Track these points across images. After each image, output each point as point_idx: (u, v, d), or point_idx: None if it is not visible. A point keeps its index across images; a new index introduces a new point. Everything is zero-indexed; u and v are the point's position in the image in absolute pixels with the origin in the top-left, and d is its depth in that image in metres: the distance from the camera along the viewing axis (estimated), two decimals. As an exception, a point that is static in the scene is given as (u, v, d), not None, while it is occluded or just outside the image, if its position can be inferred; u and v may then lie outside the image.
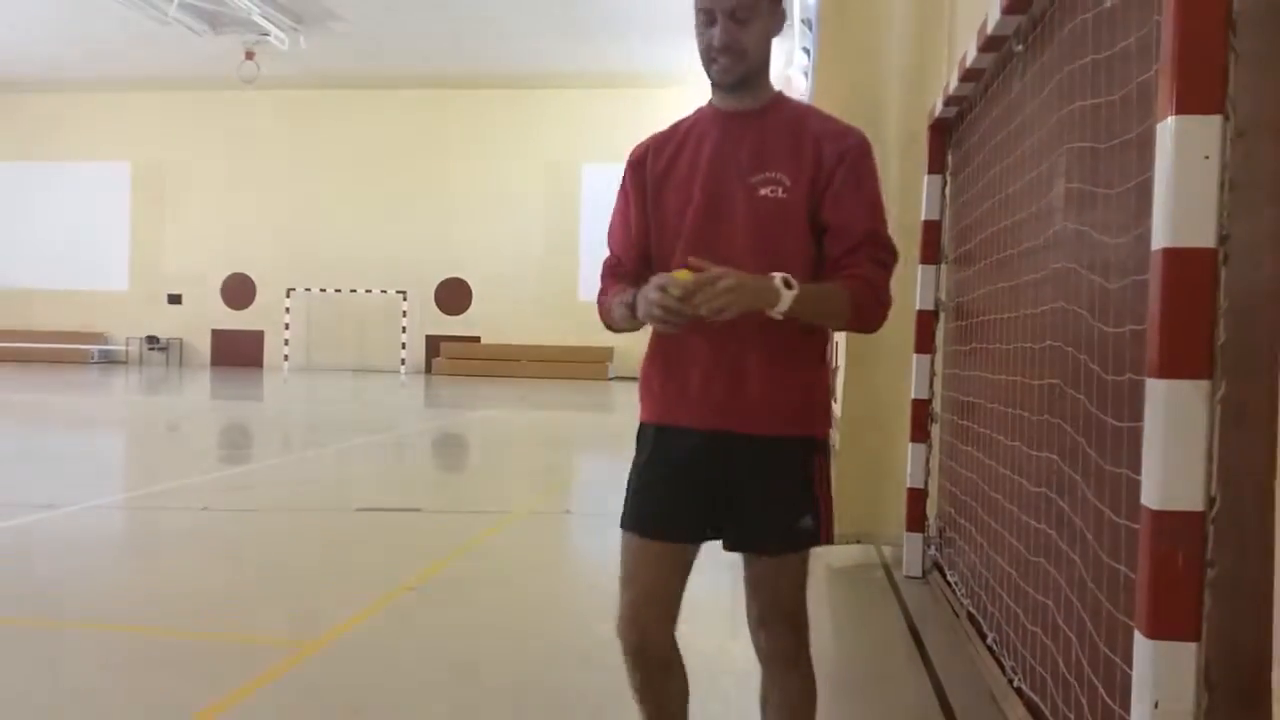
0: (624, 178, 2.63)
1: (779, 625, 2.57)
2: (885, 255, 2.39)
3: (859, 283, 2.32)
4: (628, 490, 2.56)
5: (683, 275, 2.18)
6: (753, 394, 2.37)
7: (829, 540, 2.52)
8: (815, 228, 2.37)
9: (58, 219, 33.89)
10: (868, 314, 2.38)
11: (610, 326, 2.60)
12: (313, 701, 3.60)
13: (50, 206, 33.96)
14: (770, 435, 2.39)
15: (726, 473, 2.42)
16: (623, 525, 2.54)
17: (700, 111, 2.55)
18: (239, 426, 14.41)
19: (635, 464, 2.57)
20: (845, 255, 2.35)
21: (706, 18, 2.39)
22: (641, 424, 2.58)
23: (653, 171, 2.54)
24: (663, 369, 2.49)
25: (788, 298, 2.19)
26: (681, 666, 2.60)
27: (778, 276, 2.20)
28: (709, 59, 2.42)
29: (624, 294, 2.43)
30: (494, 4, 23.84)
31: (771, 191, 2.35)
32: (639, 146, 2.65)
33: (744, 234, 2.36)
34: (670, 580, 2.53)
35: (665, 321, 2.21)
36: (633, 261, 2.56)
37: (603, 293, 2.60)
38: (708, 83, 2.48)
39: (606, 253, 2.67)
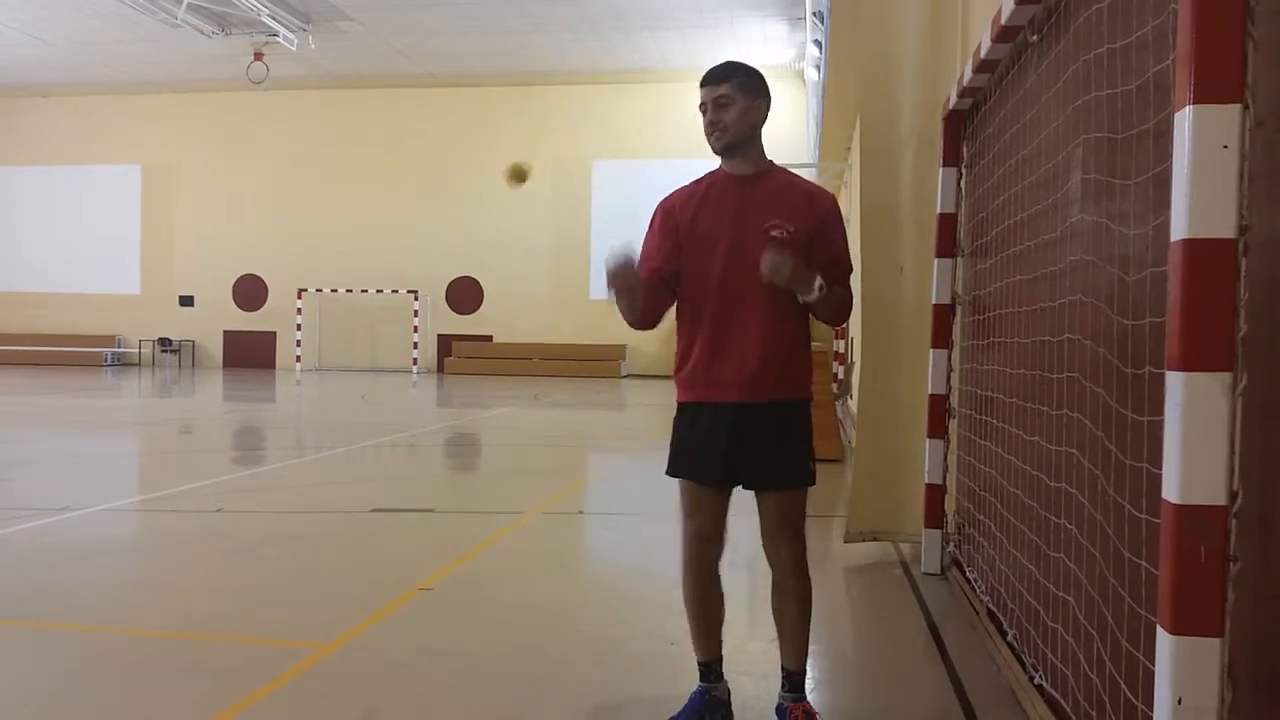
0: (654, 219, 3.46)
1: (790, 539, 3.40)
2: (849, 274, 3.41)
3: (846, 294, 3.38)
4: (675, 448, 3.42)
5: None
6: (770, 375, 3.29)
7: (812, 483, 3.43)
8: (808, 264, 3.19)
9: (70, 222, 34.05)
10: (845, 314, 3.42)
11: (629, 321, 3.41)
12: (329, 703, 3.60)
13: (62, 210, 34.11)
14: (782, 399, 3.33)
15: (744, 429, 3.28)
16: (676, 474, 3.40)
17: (715, 174, 3.42)
18: (252, 428, 14.44)
19: (677, 431, 3.43)
20: (836, 281, 3.29)
21: (702, 108, 3.36)
22: (682, 403, 3.44)
23: (682, 219, 3.35)
24: (703, 366, 3.34)
25: (816, 294, 3.16)
26: (719, 581, 3.45)
27: (818, 278, 3.15)
28: (708, 134, 3.35)
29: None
30: (502, 1, 23.84)
31: (779, 233, 3.22)
32: (669, 199, 3.45)
33: (756, 268, 3.15)
34: (716, 512, 3.40)
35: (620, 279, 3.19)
36: (658, 282, 3.36)
37: (645, 293, 3.35)
38: None
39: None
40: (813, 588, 3.46)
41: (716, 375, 3.30)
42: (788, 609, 3.44)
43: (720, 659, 3.47)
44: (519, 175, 3.47)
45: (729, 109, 3.27)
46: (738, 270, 3.24)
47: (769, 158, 3.40)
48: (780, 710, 3.42)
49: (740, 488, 3.38)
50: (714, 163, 3.45)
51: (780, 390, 3.30)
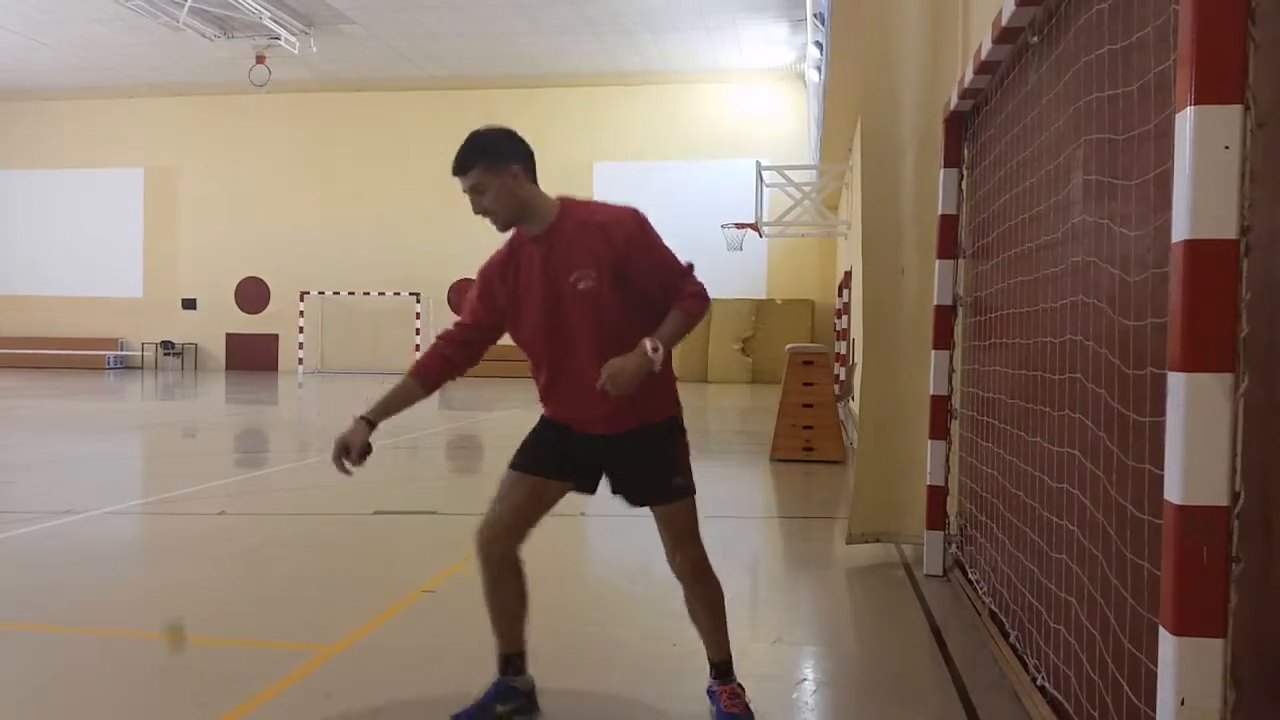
0: (477, 281, 3.45)
1: (679, 548, 3.44)
2: (690, 277, 3.33)
3: (689, 302, 3.28)
4: (522, 443, 3.48)
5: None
6: (614, 408, 3.24)
7: (693, 491, 3.46)
8: (631, 291, 3.25)
9: (73, 226, 34.07)
10: (698, 316, 3.31)
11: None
12: (333, 705, 3.60)
13: (65, 213, 34.13)
14: (635, 427, 3.34)
15: (605, 454, 3.39)
16: (515, 465, 3.44)
17: (519, 236, 3.36)
18: (255, 431, 14.44)
19: (532, 431, 3.48)
20: (674, 292, 3.28)
21: (466, 193, 3.25)
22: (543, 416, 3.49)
23: (498, 287, 3.38)
24: (549, 401, 3.43)
25: (658, 358, 3.13)
26: (516, 577, 3.43)
27: (646, 343, 3.12)
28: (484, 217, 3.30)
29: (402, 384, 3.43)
30: (504, 4, 23.85)
31: (585, 284, 3.21)
32: (488, 265, 3.44)
33: (575, 318, 3.24)
34: (525, 507, 3.40)
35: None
36: (466, 333, 3.46)
37: (440, 338, 3.48)
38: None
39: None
40: (720, 592, 3.52)
41: (566, 416, 3.40)
42: (696, 612, 3.52)
43: (521, 653, 3.51)
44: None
45: (485, 195, 3.22)
46: (560, 328, 3.27)
47: (555, 197, 3.34)
48: (710, 693, 3.56)
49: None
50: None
51: (631, 420, 3.32)
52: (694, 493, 3.46)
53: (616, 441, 3.36)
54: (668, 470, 3.39)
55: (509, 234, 3.41)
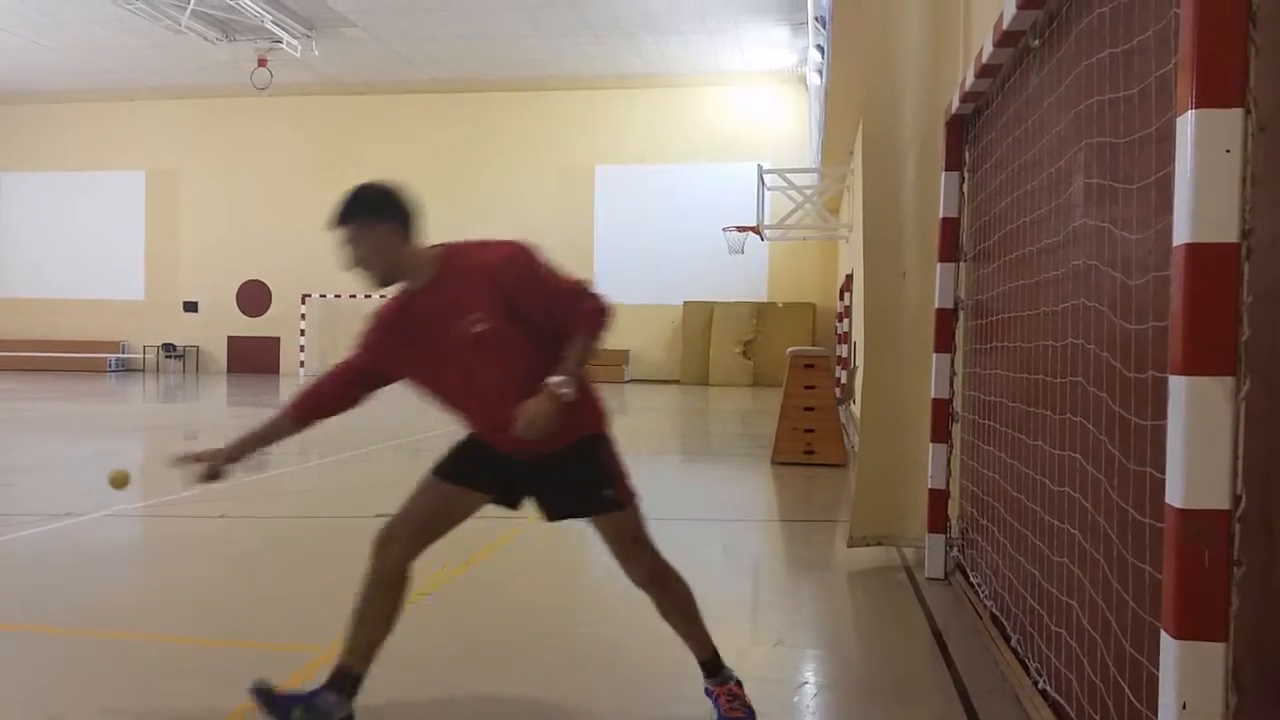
0: (372, 326, 3.41)
1: (629, 557, 3.42)
2: (585, 295, 3.22)
3: (586, 321, 3.19)
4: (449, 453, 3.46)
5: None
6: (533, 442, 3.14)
7: (630, 500, 3.38)
8: (529, 325, 3.19)
9: (74, 228, 34.07)
10: (600, 332, 3.22)
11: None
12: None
13: (67, 216, 34.13)
14: (557, 448, 3.26)
15: (531, 474, 3.35)
16: (436, 471, 3.42)
17: (406, 293, 3.31)
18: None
19: (459, 440, 3.47)
20: (570, 314, 3.20)
21: (340, 249, 3.22)
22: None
23: (397, 337, 3.34)
24: (471, 428, 3.41)
25: (568, 391, 3.07)
26: (396, 592, 3.37)
27: (550, 382, 3.06)
28: (358, 272, 3.25)
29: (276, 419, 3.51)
30: (505, 7, 23.86)
31: (480, 327, 3.15)
32: (381, 311, 3.39)
33: (478, 363, 3.20)
34: (431, 518, 3.39)
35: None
36: (351, 374, 3.46)
37: (325, 376, 3.50)
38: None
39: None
40: (683, 584, 3.51)
41: (490, 442, 3.37)
42: (667, 615, 3.53)
43: (355, 676, 3.38)
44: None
45: (360, 248, 3.20)
46: (466, 374, 3.25)
47: (438, 246, 3.31)
48: (709, 694, 3.54)
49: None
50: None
51: (552, 444, 3.22)
52: (631, 501, 3.40)
53: (541, 462, 3.31)
54: (597, 484, 3.35)
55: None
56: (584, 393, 3.30)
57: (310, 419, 3.50)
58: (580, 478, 3.35)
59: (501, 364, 3.20)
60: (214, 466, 3.40)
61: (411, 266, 3.24)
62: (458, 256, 3.27)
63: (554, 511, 3.44)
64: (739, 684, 3.53)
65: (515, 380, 3.19)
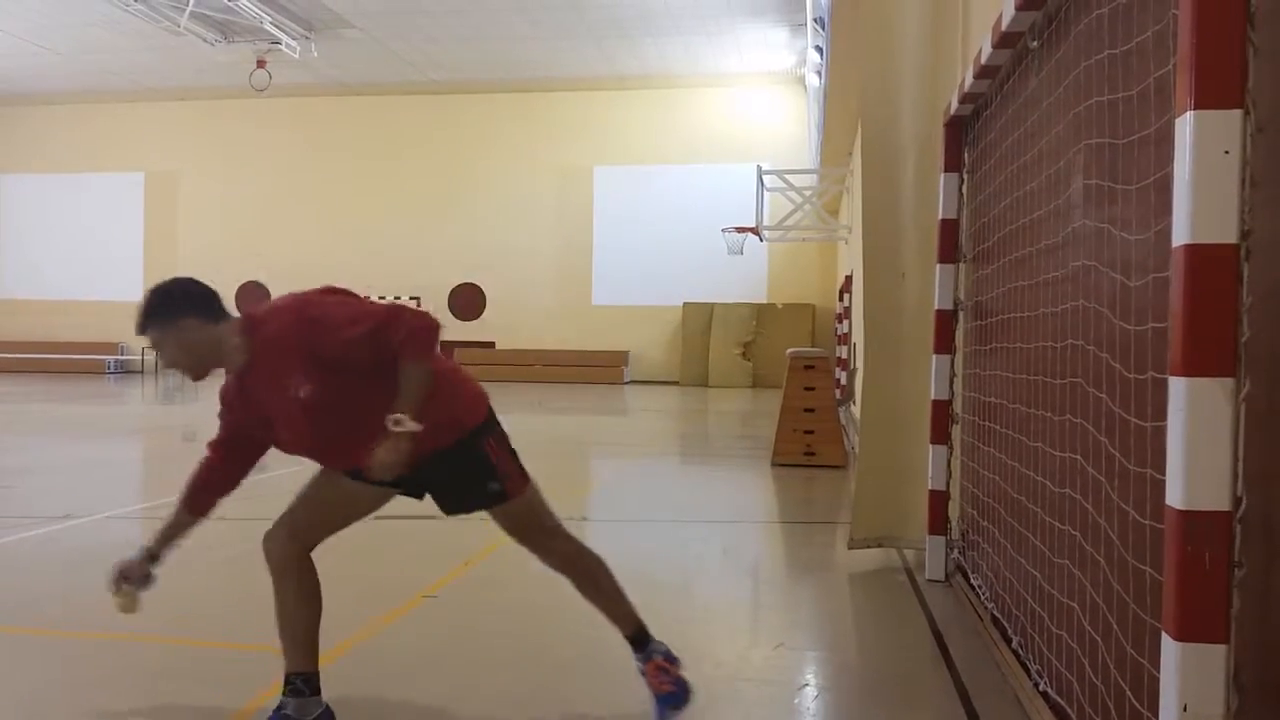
0: (220, 404, 3.49)
1: (539, 545, 3.50)
2: (393, 324, 3.09)
3: (407, 348, 3.08)
4: None
5: (119, 599, 3.43)
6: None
7: (522, 490, 3.42)
8: (353, 370, 3.14)
9: (73, 230, 34.05)
10: (425, 355, 3.13)
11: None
12: (333, 709, 3.59)
13: (65, 217, 34.12)
14: (436, 450, 3.23)
15: (418, 475, 3.26)
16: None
17: (229, 380, 3.36)
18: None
19: None
20: (381, 349, 3.09)
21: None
22: None
23: (245, 413, 3.38)
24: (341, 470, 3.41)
25: (409, 425, 3.00)
26: (303, 576, 3.45)
27: (390, 423, 2.99)
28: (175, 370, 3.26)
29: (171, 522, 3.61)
30: (504, 8, 23.87)
31: (304, 392, 3.13)
32: (224, 392, 3.44)
33: (307, 424, 3.22)
34: (321, 508, 3.47)
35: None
36: (226, 450, 3.55)
37: (203, 462, 3.59)
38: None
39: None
40: (599, 561, 3.57)
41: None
42: (587, 596, 3.59)
43: (304, 673, 3.38)
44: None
45: (167, 349, 3.21)
46: (312, 434, 3.27)
47: (237, 320, 3.28)
48: (640, 673, 3.57)
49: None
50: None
51: (427, 450, 3.18)
52: (523, 492, 3.43)
53: (424, 465, 3.24)
54: (482, 479, 3.37)
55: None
56: (448, 397, 3.28)
57: (204, 507, 3.57)
58: (464, 474, 3.37)
59: (340, 416, 3.19)
60: (144, 577, 3.49)
61: (224, 352, 3.24)
62: (258, 329, 3.23)
63: (448, 507, 3.50)
64: (668, 658, 3.54)
65: (361, 423, 3.12)
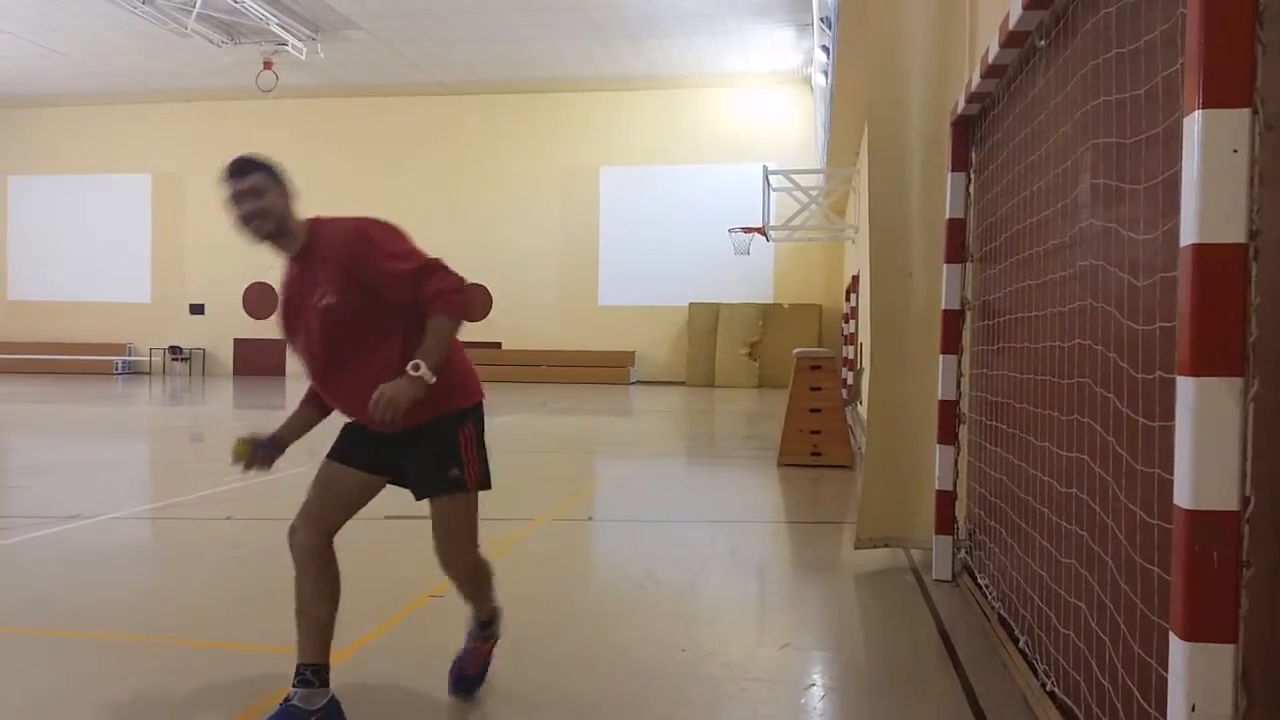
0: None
1: (440, 540, 3.49)
2: (434, 270, 3.28)
3: (441, 302, 3.24)
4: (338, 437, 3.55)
5: (237, 448, 3.56)
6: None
7: (481, 486, 3.45)
8: (381, 301, 3.27)
9: (81, 231, 34.18)
10: (460, 311, 3.30)
11: None
12: (343, 708, 3.60)
13: (73, 219, 34.24)
14: (416, 423, 3.29)
15: (394, 447, 3.38)
16: (329, 455, 3.52)
17: (288, 256, 3.44)
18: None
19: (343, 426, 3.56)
20: (419, 290, 3.25)
21: (233, 200, 3.33)
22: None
23: (282, 306, 3.51)
24: (336, 406, 3.52)
25: (427, 375, 3.12)
26: (323, 569, 3.49)
27: (409, 367, 3.12)
28: (243, 225, 3.33)
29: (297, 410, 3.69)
30: (509, 9, 23.89)
31: (328, 300, 3.26)
32: (278, 304, 3.55)
33: (319, 336, 3.31)
34: (330, 493, 3.48)
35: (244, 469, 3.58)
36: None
37: (302, 399, 3.69)
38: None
39: None
40: (489, 571, 3.70)
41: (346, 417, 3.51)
42: (465, 595, 3.70)
43: (314, 665, 3.41)
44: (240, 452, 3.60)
45: (264, 198, 3.32)
46: (319, 344, 3.35)
47: (307, 219, 3.45)
48: (467, 647, 3.78)
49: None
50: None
51: (409, 419, 3.23)
52: (474, 489, 3.45)
53: (399, 437, 3.36)
54: (445, 461, 3.38)
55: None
56: (450, 371, 3.36)
57: (322, 410, 3.67)
58: (431, 453, 3.38)
59: (350, 338, 3.30)
60: (270, 453, 3.60)
61: (290, 227, 3.37)
62: (318, 230, 3.39)
63: (415, 489, 3.49)
64: (492, 647, 3.80)
65: (361, 354, 3.30)
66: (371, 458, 3.45)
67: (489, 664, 3.82)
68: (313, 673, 3.37)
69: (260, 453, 3.54)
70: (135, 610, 4.98)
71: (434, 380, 3.14)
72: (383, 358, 3.27)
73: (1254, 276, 1.92)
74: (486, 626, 3.81)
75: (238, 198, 3.31)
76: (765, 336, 29.00)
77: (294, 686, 3.37)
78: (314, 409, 3.64)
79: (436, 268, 3.29)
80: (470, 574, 3.61)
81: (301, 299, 3.35)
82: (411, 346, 3.24)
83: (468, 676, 3.74)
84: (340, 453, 3.49)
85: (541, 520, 7.34)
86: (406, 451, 3.40)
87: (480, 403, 3.54)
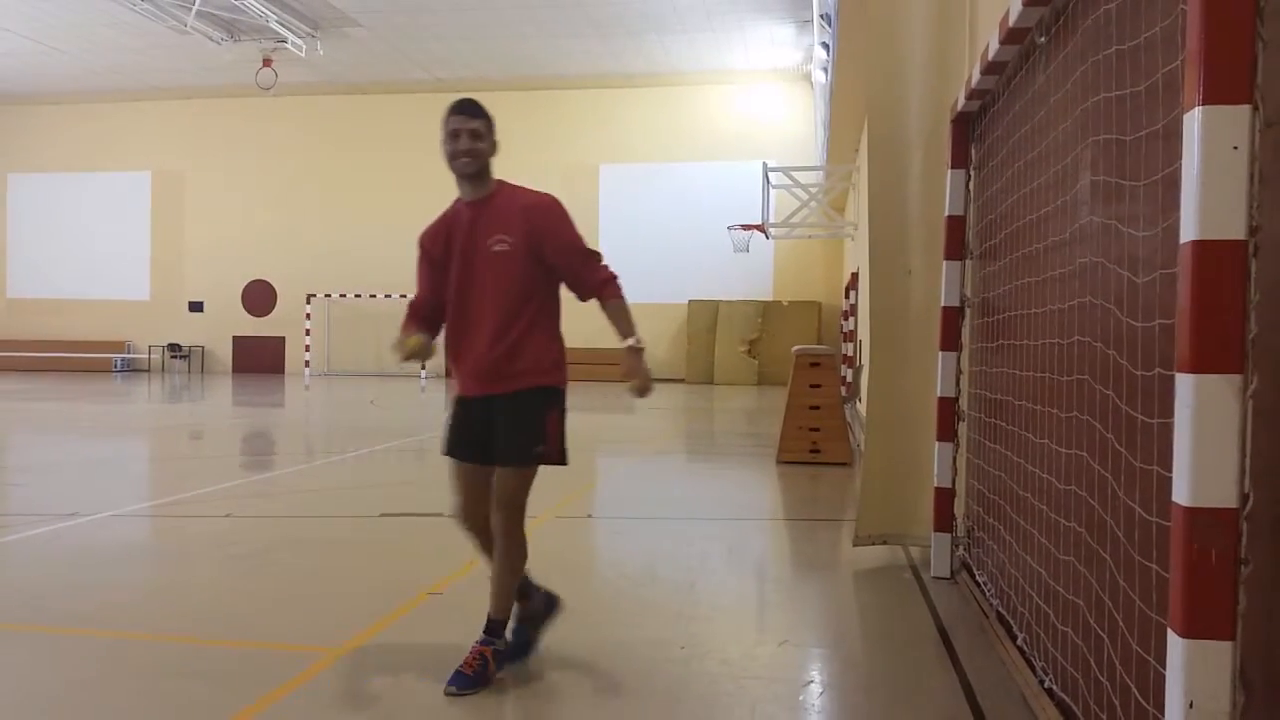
0: (419, 248, 4.02)
1: (502, 508, 3.81)
2: (598, 259, 3.91)
3: (610, 288, 3.91)
4: (445, 432, 3.97)
5: (411, 342, 3.82)
6: (504, 369, 3.79)
7: (560, 461, 3.86)
8: (540, 264, 3.80)
9: (80, 229, 34.16)
10: (620, 292, 3.92)
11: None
12: (340, 707, 3.60)
13: (73, 216, 34.23)
14: (514, 390, 3.80)
15: (491, 417, 3.81)
16: (444, 452, 3.95)
17: (456, 203, 3.94)
18: (261, 433, 14.47)
19: (450, 415, 3.99)
20: (583, 269, 3.87)
21: (454, 135, 3.77)
22: (454, 396, 4.00)
23: (433, 248, 3.95)
24: (454, 357, 3.90)
25: (641, 340, 3.84)
26: (490, 530, 3.90)
27: (631, 341, 3.85)
28: (454, 158, 3.78)
29: (403, 331, 3.94)
30: (509, 6, 23.88)
31: (501, 246, 3.77)
32: (425, 231, 4.01)
33: (483, 276, 3.80)
34: (472, 485, 3.92)
35: (406, 360, 3.91)
36: (427, 306, 4.03)
37: (404, 322, 4.02)
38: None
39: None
40: (522, 557, 3.92)
41: (462, 373, 3.92)
42: (493, 569, 3.92)
43: (505, 620, 3.92)
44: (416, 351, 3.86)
45: (483, 140, 3.80)
46: (468, 284, 3.83)
47: (498, 178, 3.92)
48: (478, 651, 3.85)
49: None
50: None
51: (513, 383, 3.79)
52: (557, 462, 3.86)
53: (499, 402, 3.80)
54: (533, 437, 3.78)
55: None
56: (545, 345, 3.86)
57: (427, 327, 4.02)
58: (524, 425, 3.79)
59: (505, 288, 3.76)
60: (426, 347, 3.90)
61: (486, 173, 3.86)
62: (509, 189, 3.89)
63: (494, 455, 3.82)
64: (496, 653, 3.83)
65: (505, 299, 3.76)
66: (473, 449, 3.87)
67: (484, 674, 3.78)
68: (501, 626, 3.91)
69: (426, 347, 3.88)
70: (133, 608, 4.97)
71: (644, 344, 3.79)
72: (518, 309, 3.76)
73: (1253, 273, 1.92)
74: (490, 631, 3.88)
75: (459, 134, 3.76)
76: (764, 334, 28.99)
77: (493, 635, 3.88)
78: (426, 329, 3.98)
79: (600, 255, 3.89)
80: (508, 530, 3.82)
81: (474, 240, 3.79)
82: (541, 316, 3.82)
83: (457, 671, 3.76)
84: (456, 451, 3.92)
85: (542, 518, 7.34)
86: (498, 418, 3.80)
87: (564, 387, 3.93)
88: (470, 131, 3.76)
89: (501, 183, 3.90)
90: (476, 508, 3.92)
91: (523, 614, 4.06)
